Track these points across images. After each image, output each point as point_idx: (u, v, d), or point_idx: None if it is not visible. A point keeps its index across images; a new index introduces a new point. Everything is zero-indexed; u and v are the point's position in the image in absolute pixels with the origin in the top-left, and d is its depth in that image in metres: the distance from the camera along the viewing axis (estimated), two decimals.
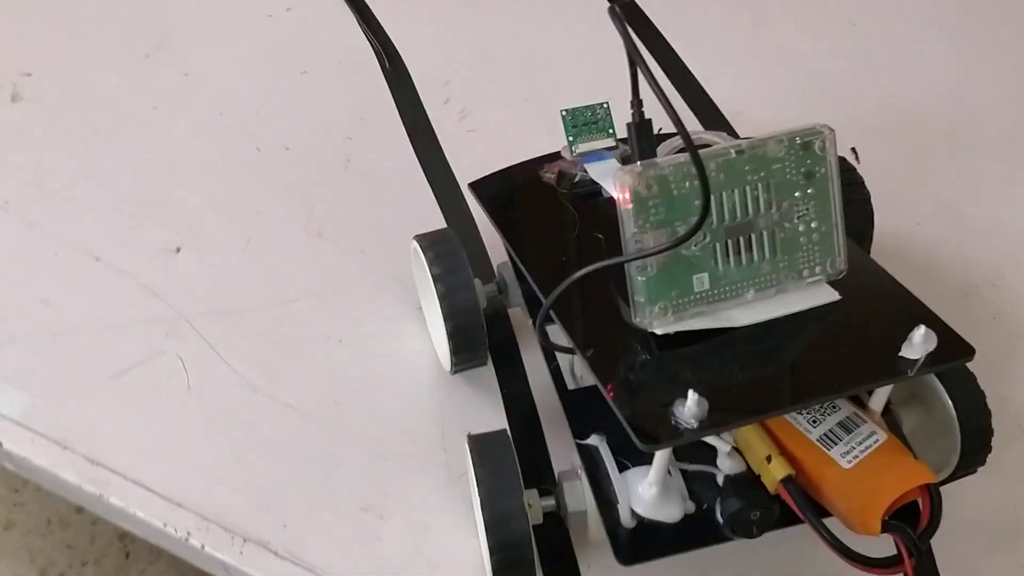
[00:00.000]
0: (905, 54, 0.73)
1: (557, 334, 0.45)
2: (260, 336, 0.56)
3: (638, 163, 0.41)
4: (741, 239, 0.42)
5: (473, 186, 0.54)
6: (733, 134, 0.53)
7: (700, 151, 0.39)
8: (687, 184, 0.41)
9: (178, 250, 0.59)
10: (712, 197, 0.41)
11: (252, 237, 0.60)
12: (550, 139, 0.63)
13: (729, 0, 0.76)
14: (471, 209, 0.61)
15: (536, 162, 0.54)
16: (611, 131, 0.53)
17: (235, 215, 0.61)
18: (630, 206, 0.41)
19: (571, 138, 0.52)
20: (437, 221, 0.60)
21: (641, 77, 0.39)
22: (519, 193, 0.53)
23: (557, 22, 0.73)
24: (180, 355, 0.54)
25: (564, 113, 0.52)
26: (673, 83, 0.69)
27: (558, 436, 0.51)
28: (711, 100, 0.68)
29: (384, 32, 0.72)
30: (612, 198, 0.49)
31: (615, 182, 0.41)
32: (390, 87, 0.68)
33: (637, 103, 0.41)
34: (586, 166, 0.52)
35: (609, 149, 0.52)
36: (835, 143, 0.43)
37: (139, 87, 0.68)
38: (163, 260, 0.59)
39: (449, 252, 0.51)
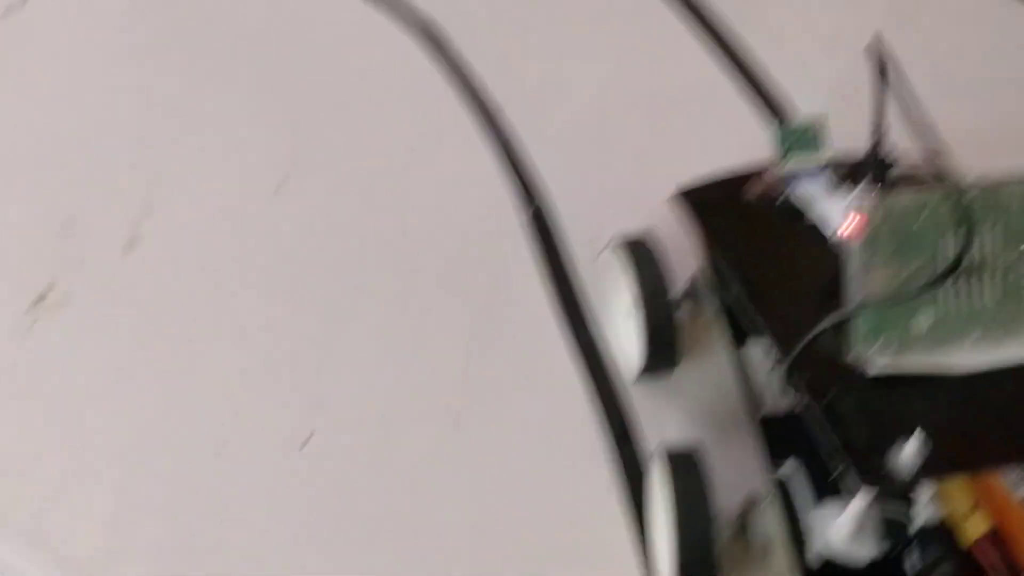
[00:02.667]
0: None
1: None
2: None
3: (875, 194, 0.40)
4: (972, 279, 0.41)
5: (683, 194, 0.52)
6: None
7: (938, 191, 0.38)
8: (920, 217, 0.40)
9: (309, 438, 0.52)
10: (943, 237, 0.40)
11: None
12: None
13: None
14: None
15: (743, 175, 0.52)
16: (824, 146, 0.50)
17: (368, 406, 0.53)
18: (861, 238, 0.40)
19: (782, 155, 0.51)
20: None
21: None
22: (726, 207, 0.52)
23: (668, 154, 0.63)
24: None
25: (776, 129, 0.51)
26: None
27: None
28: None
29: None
30: (817, 222, 0.48)
31: (850, 207, 0.40)
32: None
33: (879, 135, 0.40)
34: (794, 185, 0.50)
35: (821, 167, 0.50)
36: None
37: (267, 229, 0.60)
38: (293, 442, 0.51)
39: (650, 259, 0.50)
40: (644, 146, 0.64)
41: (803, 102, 0.65)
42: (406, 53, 0.71)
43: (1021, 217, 0.40)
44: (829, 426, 0.39)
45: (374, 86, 0.69)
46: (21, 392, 0.54)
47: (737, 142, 0.56)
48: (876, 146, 0.41)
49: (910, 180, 0.40)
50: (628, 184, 0.61)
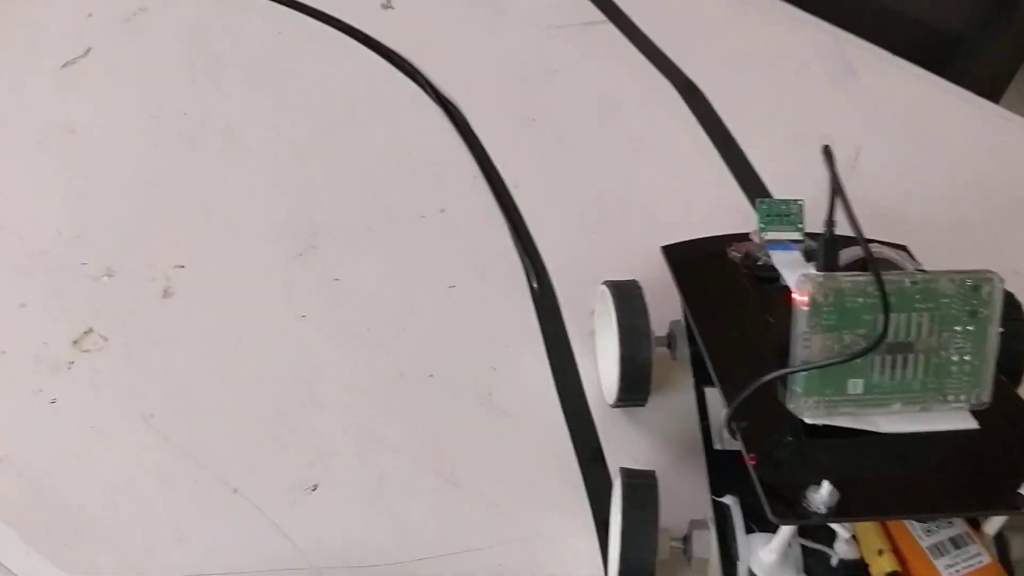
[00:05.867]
0: None
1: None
2: None
3: (821, 273, 0.47)
4: (899, 356, 0.47)
5: (666, 249, 0.60)
6: (908, 253, 0.58)
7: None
8: (860, 300, 0.47)
9: (315, 488, 0.57)
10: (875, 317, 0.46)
11: (385, 478, 0.58)
12: None
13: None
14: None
15: (727, 238, 0.59)
16: (800, 226, 0.57)
17: (371, 450, 0.59)
18: (806, 309, 0.46)
19: (762, 225, 0.57)
20: (574, 479, 0.59)
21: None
22: (705, 264, 0.59)
23: None
24: None
25: (760, 202, 0.58)
26: (728, 165, 0.73)
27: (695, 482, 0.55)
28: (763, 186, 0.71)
29: (535, 248, 0.68)
30: (788, 287, 0.55)
31: (797, 284, 0.47)
32: (536, 311, 0.65)
33: (831, 223, 0.47)
34: (771, 252, 0.57)
35: (795, 241, 0.57)
36: (1001, 289, 0.47)
37: (288, 290, 0.66)
38: (298, 498, 0.57)
39: (634, 304, 0.57)
40: (641, 211, 0.71)
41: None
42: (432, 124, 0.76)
43: (950, 307, 0.47)
44: (753, 467, 0.45)
45: (393, 153, 0.73)
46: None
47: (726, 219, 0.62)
48: (829, 231, 0.47)
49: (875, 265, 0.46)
50: (627, 240, 0.68)
